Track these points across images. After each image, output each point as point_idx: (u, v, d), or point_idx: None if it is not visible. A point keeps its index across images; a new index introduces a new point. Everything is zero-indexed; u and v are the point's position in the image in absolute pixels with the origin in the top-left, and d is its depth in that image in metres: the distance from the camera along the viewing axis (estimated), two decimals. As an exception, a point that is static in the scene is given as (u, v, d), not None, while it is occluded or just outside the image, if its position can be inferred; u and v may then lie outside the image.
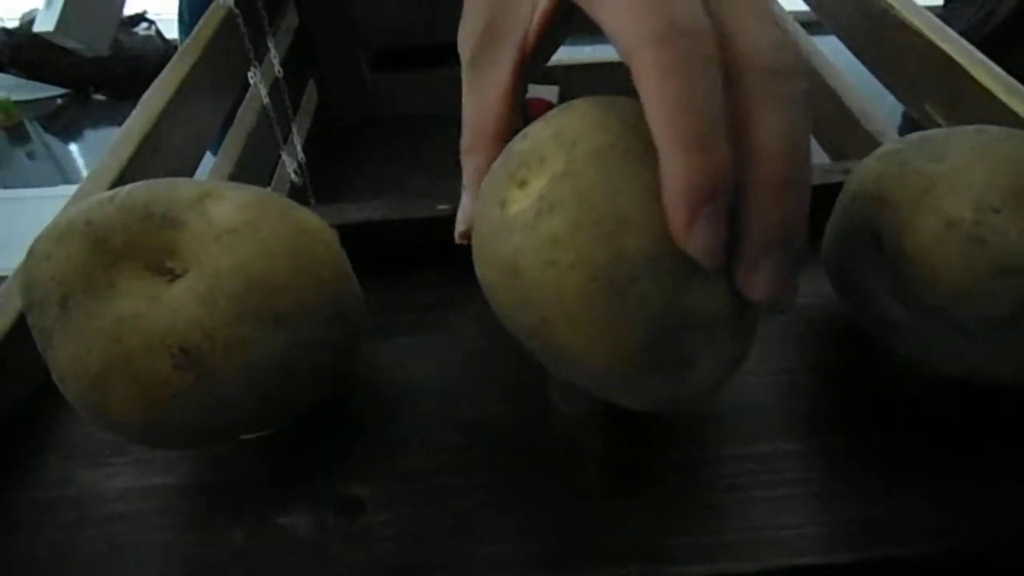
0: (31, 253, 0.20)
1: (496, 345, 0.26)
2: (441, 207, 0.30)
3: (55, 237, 0.20)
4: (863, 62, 0.44)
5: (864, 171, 0.22)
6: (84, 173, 1.59)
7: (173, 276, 0.20)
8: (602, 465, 0.23)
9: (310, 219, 0.21)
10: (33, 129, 1.74)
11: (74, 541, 0.21)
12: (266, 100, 0.50)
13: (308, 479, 0.22)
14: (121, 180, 0.32)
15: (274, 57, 0.53)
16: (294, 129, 0.56)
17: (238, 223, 0.20)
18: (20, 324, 0.25)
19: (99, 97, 1.75)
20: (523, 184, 0.19)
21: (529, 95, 0.64)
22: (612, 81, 0.66)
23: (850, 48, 0.45)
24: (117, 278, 0.19)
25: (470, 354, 0.26)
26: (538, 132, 0.20)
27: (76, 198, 0.31)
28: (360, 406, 0.25)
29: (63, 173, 1.66)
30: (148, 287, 0.19)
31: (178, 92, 0.39)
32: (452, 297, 0.29)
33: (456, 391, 0.25)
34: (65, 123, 1.74)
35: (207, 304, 0.19)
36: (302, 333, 0.20)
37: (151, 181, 0.22)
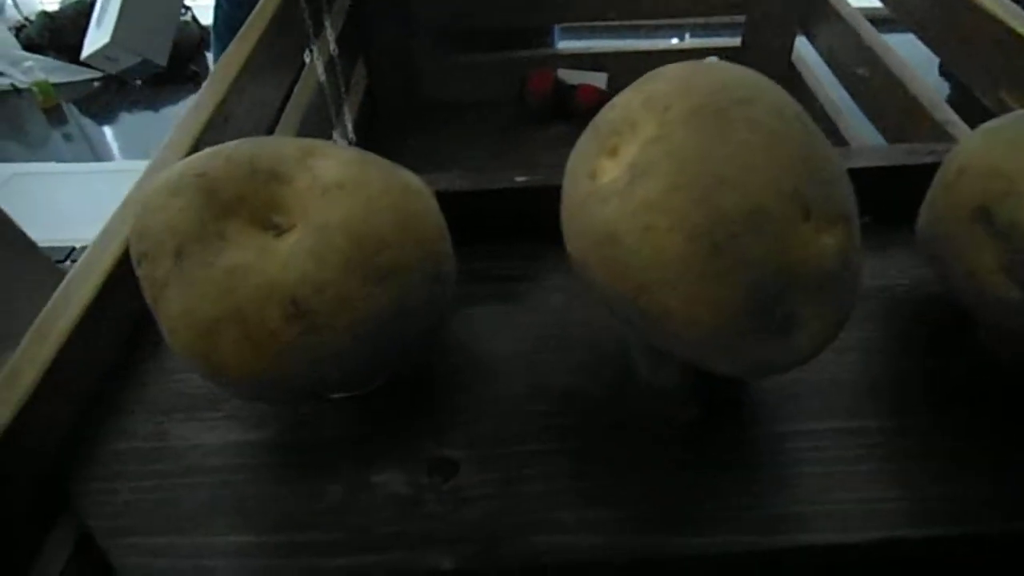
0: (144, 205, 0.20)
1: (577, 317, 0.26)
2: (519, 179, 0.30)
3: (169, 189, 0.20)
4: (937, 53, 0.43)
5: (970, 148, 0.22)
6: (118, 156, 1.61)
7: (279, 231, 0.20)
8: (687, 436, 0.23)
9: (412, 179, 0.21)
10: (70, 111, 1.76)
11: (175, 492, 0.22)
12: (322, 78, 0.51)
13: (399, 440, 0.23)
14: (195, 149, 0.33)
15: (330, 35, 0.54)
16: (346, 108, 0.56)
17: (344, 179, 0.20)
18: (108, 286, 0.26)
19: (136, 82, 1.77)
20: (613, 153, 0.19)
21: (578, 82, 0.64)
22: (658, 66, 0.66)
23: (923, 39, 0.45)
24: (227, 230, 0.19)
25: (551, 325, 0.26)
26: (627, 100, 0.20)
27: (153, 168, 0.32)
28: (445, 373, 0.25)
29: (97, 156, 1.68)
30: (257, 240, 0.19)
31: (245, 66, 0.39)
32: (530, 269, 0.29)
33: (540, 361, 0.25)
34: (101, 106, 1.76)
35: (316, 258, 0.19)
36: (405, 291, 0.20)
37: (254, 138, 0.22)
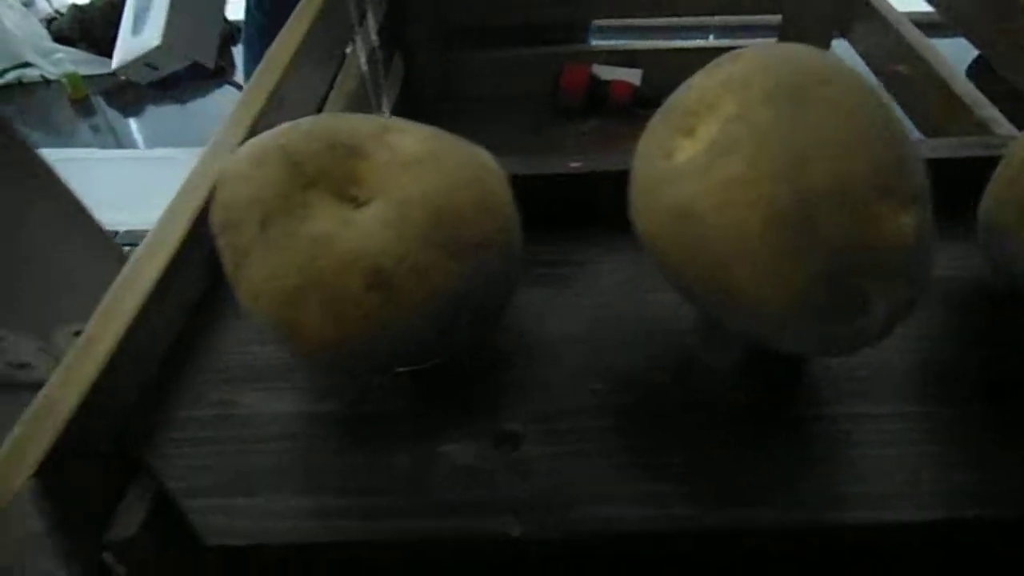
0: (228, 175, 0.21)
1: (631, 299, 0.27)
2: (573, 164, 0.30)
3: (253, 160, 0.21)
4: (987, 55, 0.43)
5: None
6: (143, 147, 1.63)
7: (358, 204, 0.20)
8: (745, 415, 0.23)
9: (487, 157, 0.22)
10: (98, 103, 1.79)
11: (246, 457, 0.22)
12: (364, 68, 0.51)
13: (461, 414, 0.23)
14: (252, 132, 0.34)
15: (372, 27, 0.54)
16: (384, 98, 0.57)
17: (423, 154, 0.20)
18: (176, 260, 0.27)
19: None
20: (690, 132, 0.20)
21: (612, 77, 0.65)
22: (693, 66, 0.66)
23: (973, 43, 0.45)
24: (310, 201, 0.20)
25: (605, 307, 0.27)
26: (703, 81, 0.20)
27: (213, 149, 0.32)
28: (503, 352, 0.25)
29: (122, 147, 1.70)
30: (338, 212, 0.20)
31: (297, 52, 0.40)
32: (583, 253, 0.29)
33: (597, 341, 0.25)
34: (128, 99, 1.79)
35: (397, 230, 0.19)
36: (481, 266, 0.20)
37: (330, 114, 0.22)
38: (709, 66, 0.20)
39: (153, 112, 1.79)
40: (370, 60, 0.53)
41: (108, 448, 0.22)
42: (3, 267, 0.35)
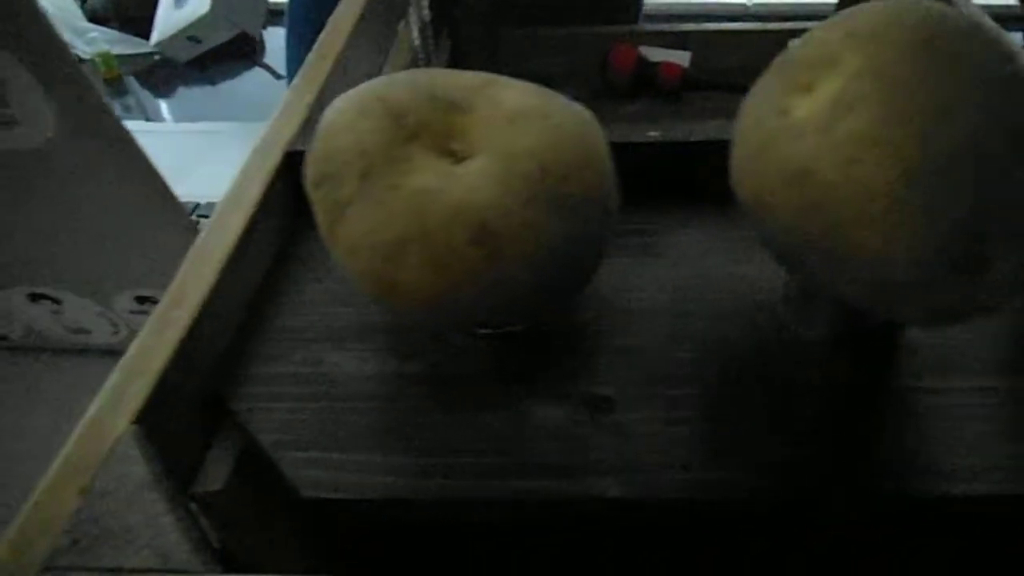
0: (327, 128, 0.21)
1: (715, 268, 0.26)
2: (652, 134, 0.30)
3: (355, 111, 0.20)
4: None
5: None
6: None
7: (458, 159, 0.20)
8: (835, 385, 0.23)
9: (587, 113, 0.22)
10: (130, 83, 1.80)
11: (334, 414, 0.22)
12: (417, 42, 0.51)
13: (551, 377, 0.23)
14: (320, 95, 0.33)
15: (424, 1, 0.54)
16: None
17: (528, 108, 0.20)
18: (256, 217, 0.26)
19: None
20: (809, 88, 0.19)
21: (662, 59, 0.64)
22: (742, 47, 0.65)
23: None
24: (412, 154, 0.20)
25: (690, 277, 0.26)
26: (822, 37, 0.20)
27: (284, 112, 0.32)
28: (589, 317, 0.25)
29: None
30: (440, 166, 0.20)
31: (359, 20, 0.39)
32: (662, 223, 0.29)
33: (683, 309, 0.25)
34: (158, 79, 1.80)
35: (503, 185, 0.19)
36: (583, 223, 0.20)
37: (428, 69, 0.22)
38: (827, 22, 0.20)
39: (184, 93, 1.80)
40: (422, 34, 0.53)
41: (195, 402, 0.22)
42: (70, 229, 0.35)
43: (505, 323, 0.22)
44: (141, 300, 0.42)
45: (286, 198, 0.29)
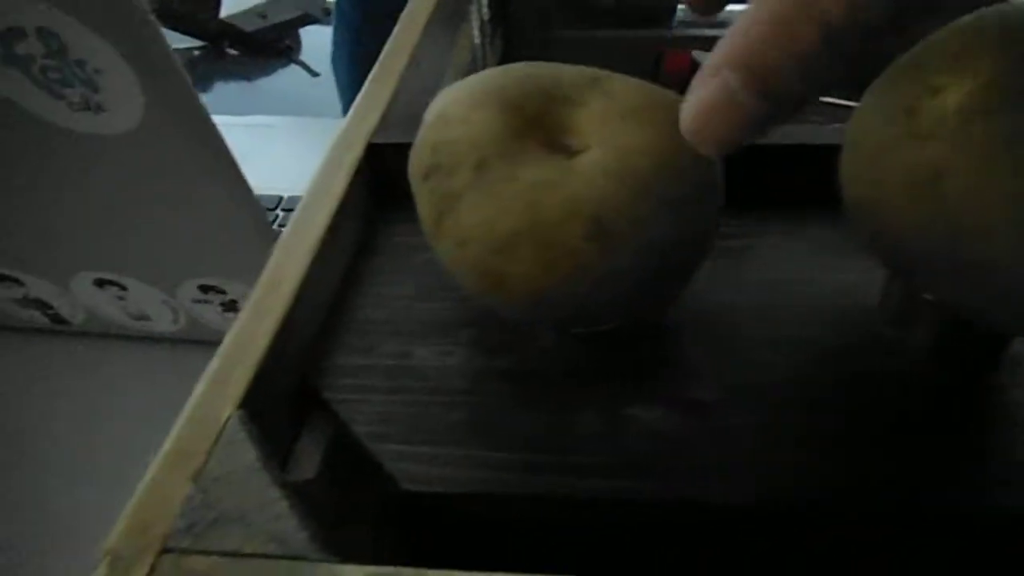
0: (439, 117, 0.21)
1: (809, 275, 0.26)
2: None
3: (469, 102, 0.20)
4: None
5: None
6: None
7: (572, 153, 0.20)
8: (943, 393, 0.22)
9: None
10: (168, 77, 1.84)
11: (427, 408, 0.22)
12: (477, 40, 0.51)
13: (644, 378, 0.23)
14: (395, 92, 0.34)
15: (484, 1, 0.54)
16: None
17: (643, 103, 0.20)
18: (342, 209, 0.27)
19: (232, 52, 1.82)
20: (937, 92, 0.19)
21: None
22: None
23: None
24: (526, 147, 0.20)
25: (779, 281, 0.26)
26: (949, 36, 0.19)
27: (361, 106, 0.32)
28: (673, 320, 0.25)
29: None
30: (554, 159, 0.19)
31: (430, 16, 0.40)
32: (743, 227, 0.28)
33: (775, 313, 0.25)
34: (199, 74, 1.83)
35: (619, 180, 0.19)
36: (693, 220, 0.20)
37: (537, 63, 0.22)
38: (950, 26, 0.19)
39: (220, 88, 1.83)
40: (481, 32, 0.53)
41: (293, 388, 0.22)
42: (144, 216, 0.35)
43: (601, 321, 0.22)
44: (205, 289, 0.42)
45: (367, 190, 0.29)
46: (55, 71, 0.26)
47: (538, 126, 0.20)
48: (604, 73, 0.21)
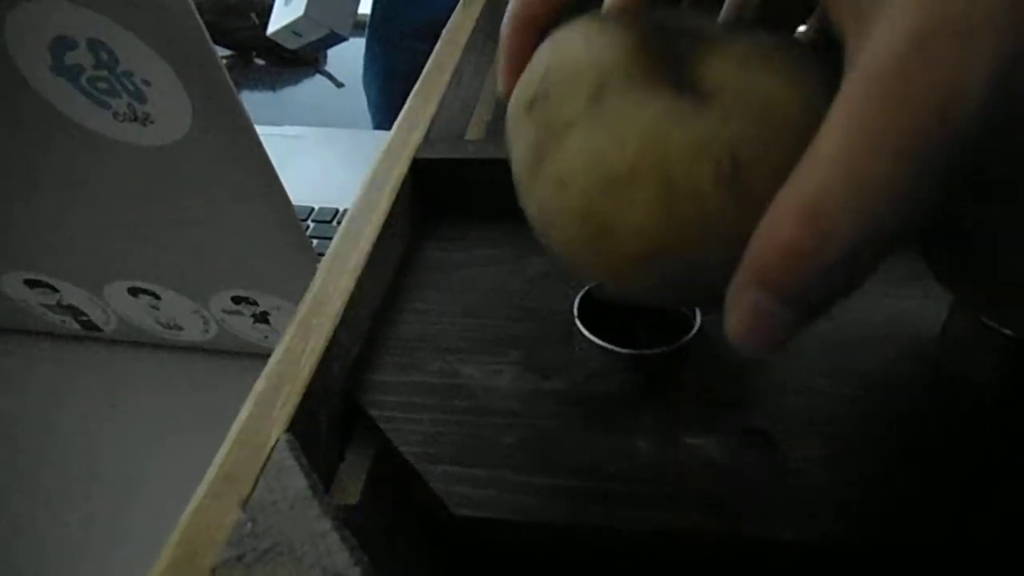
0: (556, 42, 0.18)
1: (876, 303, 0.25)
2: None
3: (594, 28, 0.17)
4: None
5: None
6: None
7: (706, 93, 0.16)
8: (1011, 424, 0.21)
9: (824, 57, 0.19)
10: (196, 86, 1.87)
11: (477, 429, 0.21)
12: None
13: (704, 406, 0.22)
14: (440, 104, 0.33)
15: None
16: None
17: (783, 48, 0.17)
18: (388, 223, 0.26)
19: (259, 62, 1.84)
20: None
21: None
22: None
23: None
24: (653, 82, 0.16)
25: (850, 310, 0.25)
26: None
27: (406, 117, 0.32)
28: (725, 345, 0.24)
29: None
30: (684, 97, 0.16)
31: (472, 32, 0.39)
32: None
33: (841, 344, 0.24)
34: (225, 83, 1.86)
35: (760, 121, 0.16)
36: None
37: (648, 8, 0.20)
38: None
39: (247, 97, 1.85)
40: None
41: (339, 408, 0.22)
42: (183, 225, 0.35)
43: (713, 303, 0.17)
44: (237, 300, 0.42)
45: (412, 205, 0.29)
46: (103, 81, 0.26)
47: (667, 63, 0.17)
48: (728, 23, 0.19)
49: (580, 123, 0.16)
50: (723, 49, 0.17)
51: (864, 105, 0.13)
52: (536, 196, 0.17)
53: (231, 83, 0.28)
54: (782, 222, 0.14)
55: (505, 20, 0.19)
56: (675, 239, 0.16)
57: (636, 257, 0.16)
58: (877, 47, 0.13)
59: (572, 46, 0.17)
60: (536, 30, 0.19)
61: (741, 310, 0.15)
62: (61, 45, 0.25)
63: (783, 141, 0.15)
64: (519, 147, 0.18)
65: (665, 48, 0.17)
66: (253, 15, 1.71)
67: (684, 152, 0.15)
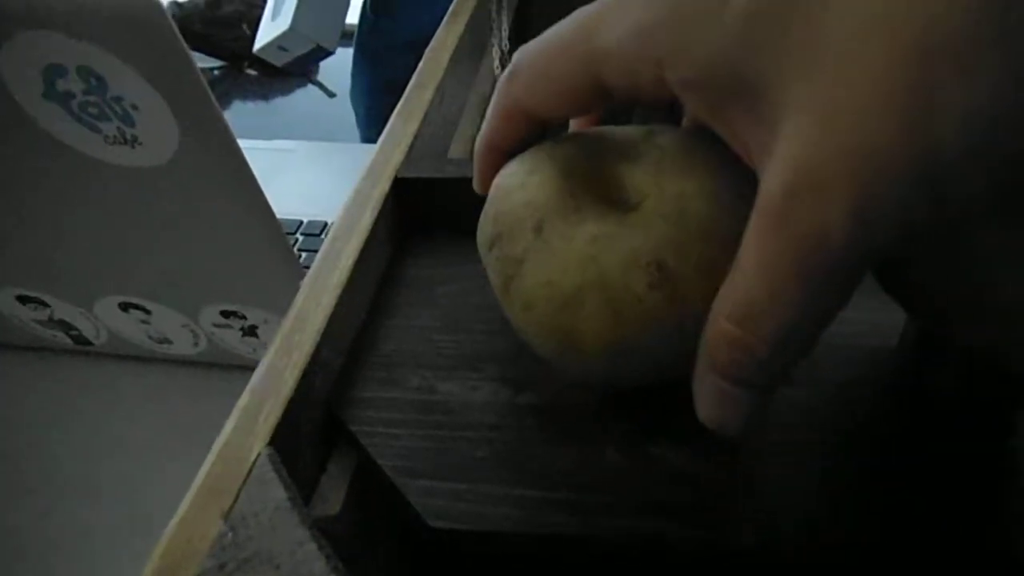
0: (499, 189, 0.21)
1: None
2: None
3: (525, 171, 0.20)
4: None
5: None
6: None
7: (630, 206, 0.20)
8: (974, 436, 0.22)
9: None
10: (188, 97, 1.88)
11: (454, 443, 0.22)
12: (497, 72, 0.52)
13: (670, 416, 0.23)
14: (423, 122, 0.34)
15: (504, 31, 0.55)
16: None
17: (694, 147, 0.20)
18: (370, 240, 0.27)
19: (251, 72, 1.86)
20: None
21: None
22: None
23: None
24: (583, 206, 0.19)
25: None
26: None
27: (388, 137, 0.33)
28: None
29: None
30: (612, 214, 0.19)
31: (455, 49, 0.40)
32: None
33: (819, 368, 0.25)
34: (218, 94, 1.86)
35: (678, 224, 0.18)
36: None
37: (591, 128, 0.22)
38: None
39: (239, 107, 1.86)
40: (501, 63, 0.53)
41: (319, 423, 0.23)
42: (172, 242, 0.36)
43: (679, 373, 0.20)
44: (226, 314, 0.43)
45: (394, 223, 0.30)
46: (94, 107, 0.27)
47: (593, 184, 0.20)
48: (658, 127, 0.21)
49: (529, 258, 0.19)
50: (645, 158, 0.20)
51: (763, 232, 0.15)
52: (510, 312, 0.21)
53: (216, 105, 0.29)
54: (722, 322, 0.16)
55: (477, 142, 0.22)
56: (626, 336, 0.19)
57: (597, 354, 0.19)
58: (767, 185, 0.15)
59: (512, 193, 0.20)
60: (502, 154, 0.22)
61: (705, 394, 0.18)
62: (53, 72, 0.26)
63: (699, 238, 0.18)
64: (491, 275, 0.21)
65: (594, 169, 0.20)
66: (244, 26, 1.73)
67: (617, 267, 0.18)
